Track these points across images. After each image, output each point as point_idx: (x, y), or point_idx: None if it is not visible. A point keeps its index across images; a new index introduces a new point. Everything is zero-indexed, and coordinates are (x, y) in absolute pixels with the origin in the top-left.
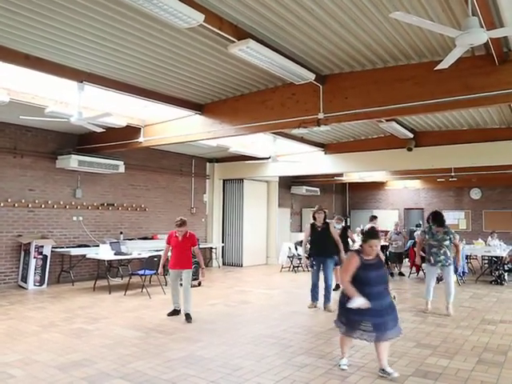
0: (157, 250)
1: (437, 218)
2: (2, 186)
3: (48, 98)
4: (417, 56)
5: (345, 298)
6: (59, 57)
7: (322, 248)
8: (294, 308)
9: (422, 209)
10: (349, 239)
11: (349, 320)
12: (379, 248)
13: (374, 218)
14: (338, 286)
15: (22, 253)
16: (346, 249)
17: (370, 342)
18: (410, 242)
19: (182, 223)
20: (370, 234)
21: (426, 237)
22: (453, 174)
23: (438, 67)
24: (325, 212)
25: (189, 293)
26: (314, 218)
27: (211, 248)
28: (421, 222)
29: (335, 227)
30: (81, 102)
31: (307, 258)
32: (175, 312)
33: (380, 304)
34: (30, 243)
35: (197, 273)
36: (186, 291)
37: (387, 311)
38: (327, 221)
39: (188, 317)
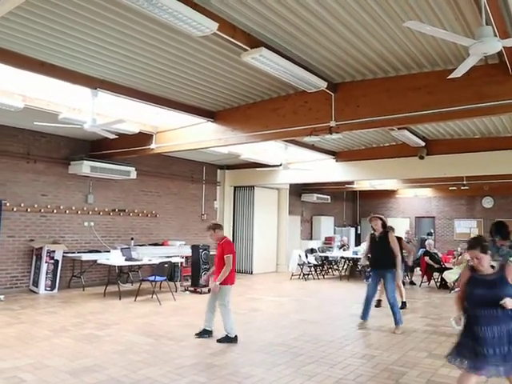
0: (167, 257)
1: (499, 230)
2: (15, 190)
3: (62, 105)
4: (429, 64)
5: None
6: (73, 64)
7: (380, 260)
8: (304, 316)
9: (434, 217)
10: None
11: (470, 350)
12: (480, 260)
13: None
14: (403, 304)
15: (34, 257)
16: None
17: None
18: (421, 251)
19: (208, 227)
20: (468, 243)
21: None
22: (465, 182)
23: (451, 76)
24: (381, 219)
25: (225, 312)
26: (373, 227)
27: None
28: (432, 231)
29: None
30: (94, 108)
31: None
32: (205, 332)
33: (493, 330)
34: (41, 248)
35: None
36: (220, 310)
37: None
38: (386, 229)
39: (224, 340)
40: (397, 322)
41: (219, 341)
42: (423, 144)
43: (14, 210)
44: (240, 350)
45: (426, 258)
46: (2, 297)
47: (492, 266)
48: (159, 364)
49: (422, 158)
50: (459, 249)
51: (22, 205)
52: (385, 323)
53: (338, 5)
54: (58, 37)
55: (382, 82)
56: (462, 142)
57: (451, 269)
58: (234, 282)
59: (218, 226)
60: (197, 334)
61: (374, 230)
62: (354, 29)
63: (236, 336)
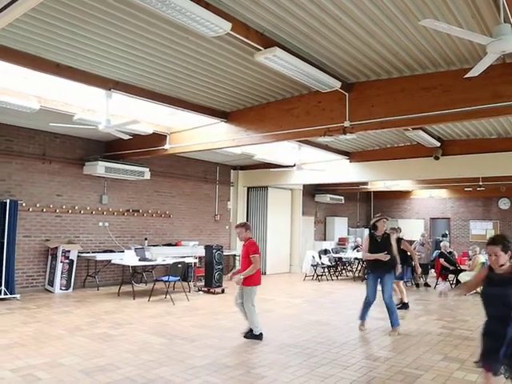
0: (181, 257)
1: None
2: (31, 191)
3: (76, 106)
4: (445, 64)
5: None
6: (88, 65)
7: (380, 261)
8: (318, 317)
9: (449, 218)
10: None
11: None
12: (498, 258)
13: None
14: (403, 304)
15: (50, 257)
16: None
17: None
18: (435, 253)
19: (240, 225)
20: (490, 238)
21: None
22: (481, 183)
23: (468, 75)
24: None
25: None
26: (376, 228)
27: (235, 255)
28: (447, 232)
29: None
30: (108, 109)
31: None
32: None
33: (498, 330)
34: (57, 248)
35: (220, 279)
36: (248, 310)
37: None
38: (387, 231)
39: (249, 336)
40: (392, 324)
41: (246, 336)
42: (438, 144)
43: (30, 210)
44: (253, 351)
45: (441, 260)
46: (18, 296)
47: None
48: (172, 364)
49: (437, 158)
50: (470, 252)
51: (38, 205)
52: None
53: (352, 4)
54: (73, 38)
55: (396, 81)
56: (478, 143)
57: (466, 270)
58: (260, 283)
59: (248, 227)
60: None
61: (375, 230)
62: (369, 28)
63: (261, 333)
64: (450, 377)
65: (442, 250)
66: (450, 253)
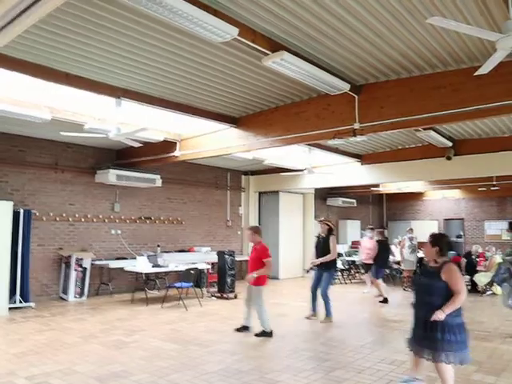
0: (193, 263)
1: None
2: (44, 200)
3: (87, 115)
4: (454, 62)
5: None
6: (97, 74)
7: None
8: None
9: (463, 219)
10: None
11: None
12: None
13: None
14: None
15: (63, 265)
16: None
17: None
18: (449, 254)
19: (250, 228)
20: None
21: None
22: (494, 182)
23: (478, 73)
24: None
25: (261, 311)
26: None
27: (247, 261)
28: (461, 233)
29: None
30: (118, 117)
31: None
32: (244, 328)
33: (416, 315)
34: (70, 256)
35: (233, 285)
36: (256, 309)
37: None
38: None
39: (260, 334)
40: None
41: (256, 335)
42: (450, 144)
43: (44, 219)
44: (267, 355)
45: (464, 261)
46: (32, 304)
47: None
48: (186, 370)
49: (449, 158)
50: (487, 253)
51: (51, 214)
52: None
53: (359, 5)
54: (82, 48)
55: (406, 82)
56: (491, 141)
57: (482, 271)
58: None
59: (258, 230)
60: (237, 330)
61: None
62: (377, 29)
63: (271, 331)
64: (468, 379)
65: (472, 252)
66: (478, 256)
